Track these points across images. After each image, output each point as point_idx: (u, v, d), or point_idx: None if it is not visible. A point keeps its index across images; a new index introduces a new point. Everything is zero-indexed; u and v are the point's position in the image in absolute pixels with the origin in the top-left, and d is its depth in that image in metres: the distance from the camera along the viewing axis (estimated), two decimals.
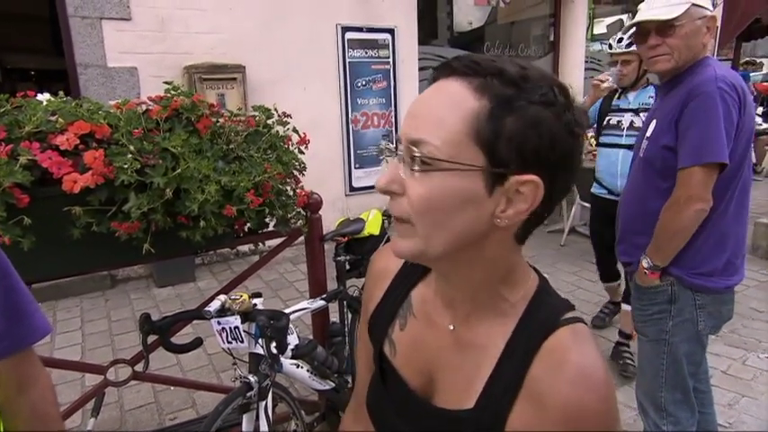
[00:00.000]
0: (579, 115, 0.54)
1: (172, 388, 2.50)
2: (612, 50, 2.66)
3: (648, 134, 1.56)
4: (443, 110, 0.52)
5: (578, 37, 6.53)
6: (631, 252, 1.67)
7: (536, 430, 0.54)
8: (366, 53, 4.86)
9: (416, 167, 0.53)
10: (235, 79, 4.11)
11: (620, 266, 2.84)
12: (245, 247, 4.34)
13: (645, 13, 1.49)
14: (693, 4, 1.42)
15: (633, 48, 2.37)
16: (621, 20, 7.53)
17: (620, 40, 2.59)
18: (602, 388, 0.54)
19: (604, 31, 7.30)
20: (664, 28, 1.45)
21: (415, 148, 0.53)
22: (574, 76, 6.60)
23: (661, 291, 1.57)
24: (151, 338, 1.57)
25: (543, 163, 0.52)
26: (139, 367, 1.74)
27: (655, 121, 1.55)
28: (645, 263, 1.55)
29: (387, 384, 0.71)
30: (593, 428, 0.52)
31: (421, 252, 0.56)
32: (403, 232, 0.57)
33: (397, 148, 0.57)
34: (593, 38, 6.94)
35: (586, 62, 6.72)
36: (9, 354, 0.76)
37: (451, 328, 0.64)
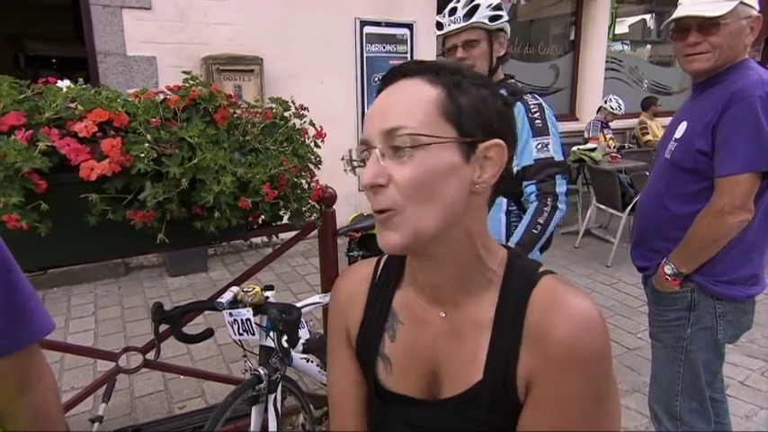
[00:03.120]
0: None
1: (182, 377, 2.52)
2: (445, 30, 1.67)
3: (678, 136, 1.50)
4: (409, 99, 0.60)
5: (600, 36, 6.43)
6: (649, 256, 1.63)
7: (543, 371, 0.59)
8: (384, 48, 4.84)
9: (406, 147, 0.58)
10: (252, 71, 4.12)
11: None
12: (257, 239, 4.37)
13: (689, 8, 1.41)
14: (741, 3, 1.36)
15: (478, 20, 1.61)
16: (645, 20, 7.40)
17: (454, 10, 1.65)
18: (598, 322, 0.59)
19: (627, 31, 7.17)
20: (707, 25, 1.39)
21: (397, 134, 0.58)
22: (594, 76, 6.51)
23: (680, 297, 1.54)
24: (163, 327, 1.57)
25: (497, 131, 0.61)
26: (151, 355, 1.75)
27: (685, 123, 1.49)
28: (668, 269, 1.51)
29: (388, 406, 0.70)
30: (593, 361, 0.57)
31: (415, 235, 0.59)
32: (391, 224, 0.60)
33: (365, 150, 0.62)
34: (614, 38, 6.83)
35: (607, 62, 6.62)
36: (9, 352, 0.73)
37: (443, 315, 0.67)
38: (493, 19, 1.65)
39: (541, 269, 0.65)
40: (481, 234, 0.65)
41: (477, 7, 1.63)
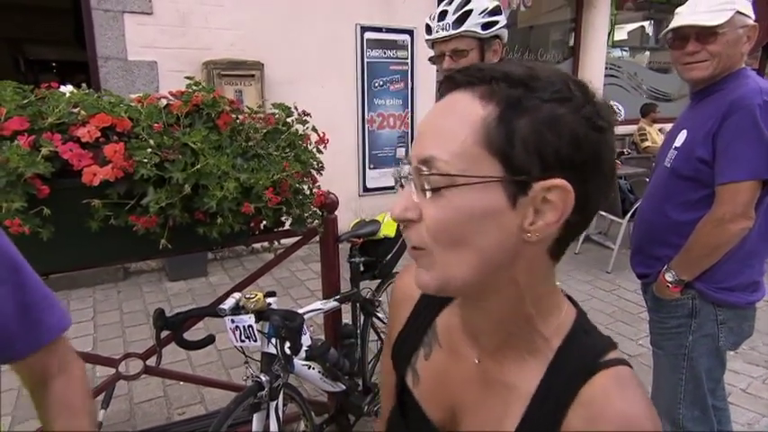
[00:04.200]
0: (602, 108, 0.49)
1: (181, 383, 2.50)
2: (433, 35, 1.61)
3: (678, 144, 1.51)
4: (449, 123, 0.49)
5: (599, 43, 6.46)
6: (649, 263, 1.63)
7: None
8: (384, 53, 4.85)
9: (428, 187, 0.48)
10: (253, 76, 4.12)
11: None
12: (257, 244, 4.35)
13: (686, 17, 1.43)
14: (738, 12, 1.37)
15: (469, 28, 1.53)
16: (643, 26, 7.45)
17: (444, 14, 1.57)
18: None
19: (626, 37, 7.21)
20: (705, 34, 1.40)
21: (424, 168, 0.49)
22: (593, 81, 6.39)
23: (681, 304, 1.54)
24: (164, 334, 1.56)
25: (568, 164, 0.47)
26: (151, 361, 1.74)
27: (685, 132, 1.50)
28: (669, 276, 1.51)
29: (407, 418, 0.66)
30: None
31: (444, 283, 0.51)
32: (423, 263, 0.52)
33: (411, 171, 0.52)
34: (613, 44, 6.86)
35: (606, 68, 6.65)
36: (28, 353, 0.74)
37: (477, 361, 0.59)
38: (486, 26, 1.55)
39: (607, 357, 0.52)
40: (534, 290, 0.53)
41: (468, 14, 1.54)
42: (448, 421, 0.61)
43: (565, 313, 0.56)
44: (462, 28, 1.53)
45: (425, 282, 0.52)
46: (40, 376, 0.77)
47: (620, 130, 5.97)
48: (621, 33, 7.10)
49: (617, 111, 5.38)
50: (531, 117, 0.46)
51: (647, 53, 7.58)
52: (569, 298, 0.59)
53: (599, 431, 0.48)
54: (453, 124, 0.48)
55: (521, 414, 0.54)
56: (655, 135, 6.03)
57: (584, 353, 0.53)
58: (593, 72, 6.52)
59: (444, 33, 1.56)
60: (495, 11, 1.59)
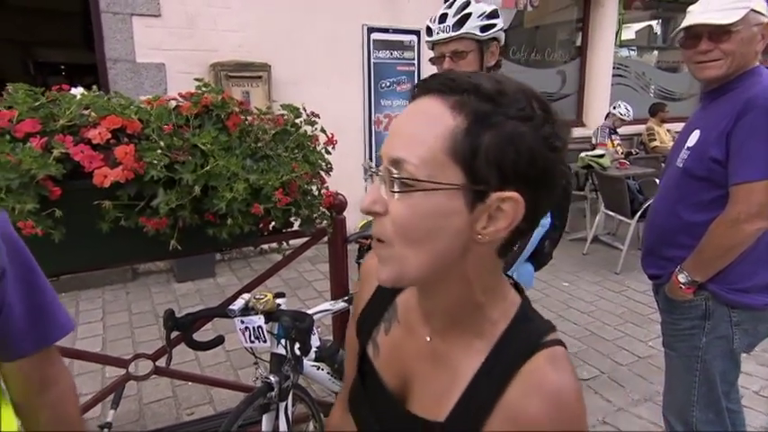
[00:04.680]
0: (560, 128, 0.53)
1: (190, 383, 2.51)
2: (434, 37, 1.64)
3: (690, 144, 1.49)
4: (421, 128, 0.52)
5: (606, 42, 6.43)
6: (661, 264, 1.61)
7: None
8: (391, 54, 4.85)
9: (396, 188, 0.53)
10: (260, 77, 4.13)
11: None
12: (265, 245, 4.36)
13: (699, 15, 1.41)
14: (752, 10, 1.35)
15: (468, 30, 1.56)
16: (651, 26, 7.40)
17: (444, 17, 1.60)
18: (576, 411, 0.55)
19: (633, 36, 7.17)
20: (718, 33, 1.38)
21: (393, 169, 0.53)
22: (600, 82, 6.50)
23: (694, 305, 1.52)
24: (174, 334, 1.57)
25: (523, 179, 0.52)
26: (161, 362, 1.74)
27: (698, 131, 1.48)
28: (681, 277, 1.49)
29: (366, 384, 0.72)
30: None
31: (399, 275, 0.56)
32: (380, 256, 0.57)
33: (378, 166, 0.57)
34: (621, 43, 6.82)
35: (614, 68, 6.61)
36: (32, 352, 0.75)
37: (428, 339, 0.64)
38: (485, 29, 1.59)
39: (547, 338, 0.58)
40: (482, 282, 0.58)
41: (468, 16, 1.57)
42: (401, 389, 0.67)
43: (510, 301, 0.62)
44: (462, 30, 1.57)
45: (383, 277, 0.57)
46: (37, 383, 0.78)
47: (628, 129, 5.93)
48: (629, 33, 7.05)
49: (626, 111, 5.35)
50: (495, 132, 0.50)
51: (656, 52, 7.53)
52: (516, 286, 0.65)
53: (534, 399, 0.54)
54: (424, 130, 0.52)
55: (464, 386, 0.59)
56: (663, 135, 5.99)
57: (526, 335, 0.59)
58: (601, 72, 6.48)
59: (444, 35, 1.60)
60: (493, 14, 1.63)
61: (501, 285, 0.62)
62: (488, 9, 1.62)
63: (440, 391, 0.61)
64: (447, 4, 1.64)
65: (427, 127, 0.52)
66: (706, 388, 1.54)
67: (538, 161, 0.52)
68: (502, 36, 1.67)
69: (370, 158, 4.87)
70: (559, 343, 0.59)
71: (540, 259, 1.78)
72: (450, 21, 1.59)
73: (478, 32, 1.58)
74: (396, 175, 0.52)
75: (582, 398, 0.56)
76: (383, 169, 0.55)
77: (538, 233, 1.56)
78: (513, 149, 0.50)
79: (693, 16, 1.43)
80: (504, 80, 0.54)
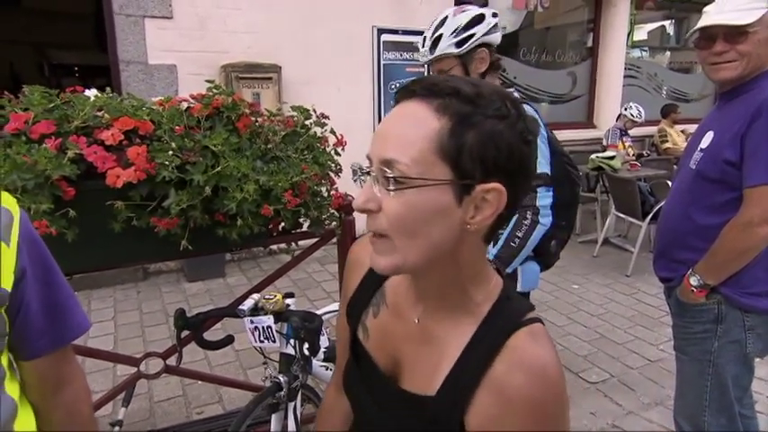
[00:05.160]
0: (530, 124, 0.60)
1: (199, 382, 2.53)
2: (420, 60, 1.76)
3: (704, 146, 1.48)
4: (409, 130, 0.57)
5: (618, 43, 6.37)
6: (673, 267, 1.60)
7: (499, 420, 0.60)
8: (401, 55, 4.86)
9: (391, 187, 0.57)
10: (270, 79, 4.16)
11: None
12: (274, 246, 4.38)
13: (714, 16, 1.39)
14: None
15: (443, 51, 1.63)
16: (664, 26, 7.32)
17: (425, 39, 1.70)
18: (557, 382, 0.61)
19: (645, 37, 7.10)
20: (734, 34, 1.37)
21: (387, 169, 0.57)
22: (612, 83, 6.44)
23: (707, 309, 1.50)
24: (184, 333, 1.58)
25: (503, 171, 0.58)
26: (171, 361, 1.76)
27: (712, 133, 1.47)
28: (693, 280, 1.47)
29: (360, 366, 0.77)
30: (551, 416, 0.60)
31: (400, 265, 0.61)
32: (381, 248, 0.61)
33: (370, 167, 0.61)
34: (633, 44, 6.76)
35: (626, 69, 6.55)
36: (49, 351, 0.76)
37: (416, 321, 0.69)
38: (460, 44, 1.63)
39: (528, 316, 0.64)
40: (471, 267, 0.64)
41: (440, 38, 1.64)
42: (392, 368, 0.72)
43: (494, 283, 0.68)
44: (437, 52, 1.66)
45: (383, 265, 0.62)
46: (52, 382, 0.78)
47: (639, 131, 5.87)
48: (641, 33, 6.99)
49: (638, 112, 5.30)
50: (476, 131, 0.56)
51: (668, 53, 7.45)
52: (498, 271, 0.71)
53: (518, 372, 0.59)
54: (412, 132, 0.57)
55: (453, 361, 0.64)
56: (675, 136, 5.93)
57: (508, 314, 0.65)
58: (612, 73, 6.43)
59: (424, 59, 1.72)
60: (473, 22, 1.65)
61: (485, 269, 0.67)
62: (465, 20, 1.65)
63: (429, 367, 0.66)
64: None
65: (415, 129, 0.57)
66: (718, 393, 1.52)
67: (515, 154, 0.58)
68: (494, 39, 1.69)
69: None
70: (539, 321, 0.65)
71: (546, 259, 1.77)
72: (428, 43, 1.68)
73: (454, 49, 1.64)
74: (389, 175, 0.57)
75: (562, 371, 0.62)
76: (375, 169, 0.59)
77: (539, 232, 1.56)
78: (494, 145, 0.56)
79: (709, 17, 1.41)
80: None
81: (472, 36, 1.64)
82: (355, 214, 1.93)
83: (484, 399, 0.61)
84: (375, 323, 0.75)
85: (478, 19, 1.66)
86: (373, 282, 0.77)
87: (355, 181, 0.65)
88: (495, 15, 1.69)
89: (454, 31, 1.64)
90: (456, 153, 0.56)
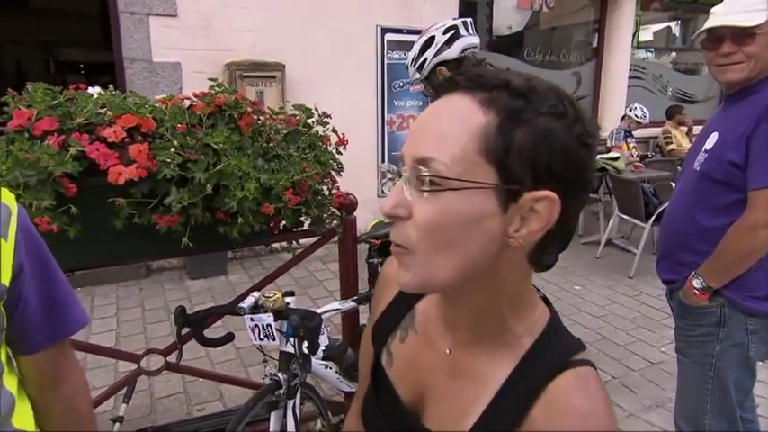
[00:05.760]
0: (591, 126, 0.52)
1: (200, 379, 2.54)
2: (410, 78, 2.02)
3: (708, 147, 1.47)
4: (450, 126, 0.50)
5: (623, 44, 6.35)
6: (676, 269, 1.59)
7: None
8: (405, 55, 4.83)
9: (425, 188, 0.49)
10: (274, 77, 4.16)
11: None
12: (276, 244, 4.38)
13: (721, 17, 1.38)
14: None
15: (417, 76, 1.86)
16: (670, 27, 7.29)
17: (412, 60, 1.92)
18: (606, 426, 0.50)
19: (651, 38, 7.07)
20: (742, 35, 1.36)
21: (422, 168, 0.50)
22: (617, 84, 6.42)
23: (709, 312, 1.49)
24: (184, 331, 1.59)
25: (557, 178, 0.49)
26: (172, 358, 1.77)
27: (716, 134, 1.46)
28: (696, 283, 1.47)
29: (379, 395, 0.69)
30: None
31: (424, 282, 0.53)
32: (401, 262, 0.53)
33: (402, 167, 0.53)
34: (638, 45, 6.73)
35: (631, 70, 6.53)
36: (47, 345, 0.76)
37: (448, 351, 0.61)
38: (419, 69, 1.85)
39: (576, 357, 0.55)
40: (511, 291, 0.55)
41: (424, 63, 1.85)
42: (416, 403, 0.64)
43: (539, 314, 0.58)
44: (409, 79, 1.95)
45: (404, 281, 0.54)
46: (51, 376, 0.79)
47: (644, 132, 5.85)
48: (647, 34, 6.96)
49: (642, 113, 5.28)
50: (527, 129, 0.48)
51: (674, 54, 7.42)
52: (545, 300, 0.61)
53: (558, 422, 0.50)
54: (454, 128, 0.49)
55: (488, 401, 0.56)
56: (680, 138, 5.90)
57: (554, 351, 0.56)
58: (617, 74, 6.40)
59: (414, 78, 1.98)
60: (423, 48, 1.88)
61: (529, 297, 0.58)
62: (417, 48, 1.88)
63: (459, 406, 0.58)
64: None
65: (457, 124, 0.49)
66: (719, 396, 1.51)
67: (571, 159, 0.49)
68: (447, 54, 1.85)
69: (383, 160, 4.88)
70: (588, 363, 0.55)
71: (538, 261, 1.77)
72: (411, 70, 1.94)
73: (418, 75, 1.88)
74: (425, 174, 0.49)
75: (613, 419, 0.52)
76: (408, 169, 0.51)
77: None
78: (548, 147, 0.48)
79: (716, 18, 1.40)
80: (534, 78, 0.52)
81: (425, 61, 1.86)
82: (357, 213, 1.93)
83: None
84: (401, 349, 0.67)
85: (428, 43, 1.86)
86: (405, 302, 0.69)
87: (384, 184, 0.59)
88: (449, 30, 1.85)
89: (413, 60, 1.87)
90: (503, 153, 0.48)
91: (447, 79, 0.54)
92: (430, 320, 0.64)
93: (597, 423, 0.50)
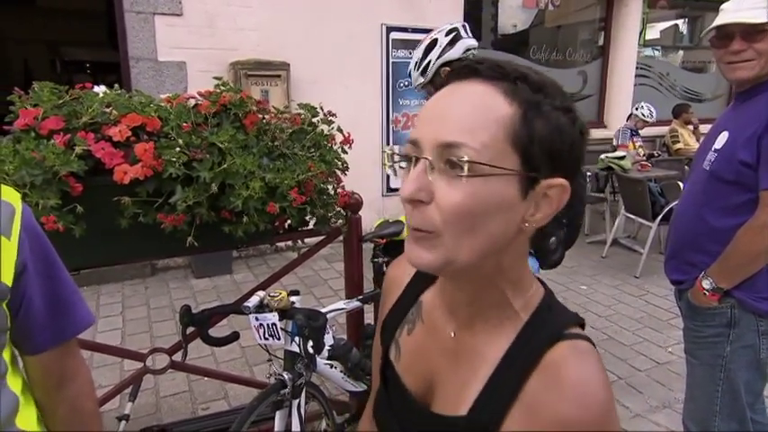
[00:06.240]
0: (583, 119, 0.57)
1: (205, 378, 2.54)
2: (414, 84, 2.07)
3: (718, 146, 1.45)
4: (477, 113, 0.51)
5: (630, 42, 6.31)
6: (684, 269, 1.57)
7: None
8: (410, 53, 4.82)
9: (463, 173, 0.50)
10: (279, 76, 4.16)
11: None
12: (281, 243, 4.39)
13: (731, 14, 1.37)
14: None
15: (421, 80, 1.93)
16: (677, 25, 7.24)
17: (415, 65, 1.97)
18: (599, 405, 0.52)
19: (658, 36, 7.02)
20: (752, 32, 1.34)
21: (455, 152, 0.50)
22: (623, 82, 6.38)
23: (719, 313, 1.48)
24: (189, 330, 1.59)
25: (565, 167, 0.54)
26: (177, 357, 1.77)
27: (727, 133, 1.44)
28: (706, 284, 1.45)
29: (389, 391, 0.70)
30: None
31: (447, 262, 0.53)
32: (426, 243, 0.54)
33: (415, 152, 0.54)
34: (645, 43, 6.68)
35: (637, 68, 6.48)
36: (53, 345, 0.76)
37: (452, 335, 0.63)
38: (423, 72, 1.88)
39: (569, 330, 0.57)
40: (513, 270, 0.58)
41: (428, 65, 1.90)
42: (425, 391, 0.65)
43: (534, 290, 0.61)
44: (414, 84, 1.98)
45: (425, 260, 0.54)
46: (56, 376, 0.79)
47: (651, 131, 5.81)
48: (653, 32, 6.91)
49: (649, 112, 5.25)
50: (546, 121, 0.52)
51: (681, 52, 7.36)
52: (540, 280, 0.64)
53: (554, 391, 0.52)
54: (482, 115, 0.51)
55: (487, 376, 0.58)
56: (687, 137, 5.85)
57: (550, 324, 0.58)
58: (623, 72, 6.36)
59: (417, 83, 2.01)
60: (426, 51, 1.91)
61: (527, 275, 0.61)
62: (420, 53, 1.89)
63: (462, 384, 0.60)
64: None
65: (484, 112, 0.51)
66: (730, 398, 1.49)
67: (575, 150, 0.54)
68: (450, 55, 1.89)
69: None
70: (584, 338, 0.57)
71: (544, 256, 1.77)
72: (415, 74, 1.99)
73: (422, 79, 1.93)
74: (462, 159, 0.50)
75: (608, 393, 0.53)
76: (431, 154, 0.52)
77: None
78: (560, 138, 0.53)
79: (726, 14, 1.38)
80: (541, 73, 0.55)
81: (429, 63, 1.90)
82: (362, 212, 1.93)
83: (516, 419, 0.54)
84: (409, 341, 0.69)
85: (431, 46, 1.90)
86: (411, 298, 0.71)
87: (390, 167, 0.59)
88: (450, 32, 1.91)
89: (416, 64, 1.92)
90: (528, 142, 0.51)
91: (465, 66, 0.55)
92: (435, 309, 0.66)
93: (592, 392, 0.52)
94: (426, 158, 0.52)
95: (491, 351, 0.58)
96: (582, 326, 0.60)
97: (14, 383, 0.72)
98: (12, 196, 0.70)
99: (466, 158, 0.50)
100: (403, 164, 0.56)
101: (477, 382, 0.58)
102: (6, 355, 0.71)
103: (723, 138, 1.44)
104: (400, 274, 0.74)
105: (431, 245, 0.53)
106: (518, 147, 0.51)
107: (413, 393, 0.66)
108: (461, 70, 0.55)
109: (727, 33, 1.39)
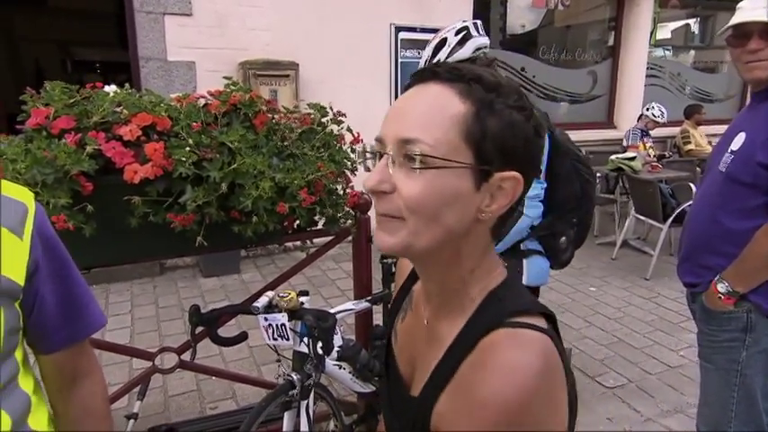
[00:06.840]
0: (540, 120, 0.61)
1: (214, 378, 2.55)
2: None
3: (735, 148, 1.42)
4: (433, 111, 0.56)
5: (640, 42, 6.25)
6: (698, 272, 1.54)
7: (454, 421, 0.56)
8: (419, 53, 4.82)
9: (416, 165, 0.55)
10: (288, 76, 4.16)
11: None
12: (290, 243, 4.39)
13: (749, 12, 1.34)
14: None
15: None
16: (689, 24, 7.16)
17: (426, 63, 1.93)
18: (523, 391, 0.51)
19: (669, 36, 6.95)
20: None
21: (410, 147, 0.55)
22: (633, 83, 6.32)
23: (735, 317, 1.45)
24: (198, 329, 1.59)
25: (519, 162, 0.58)
26: (186, 356, 1.77)
27: (744, 134, 1.41)
28: (721, 287, 1.42)
29: (388, 377, 0.75)
30: (517, 421, 0.51)
31: (408, 246, 0.58)
32: (390, 228, 0.58)
33: (380, 147, 0.59)
34: (656, 43, 6.62)
35: (648, 69, 6.42)
36: (65, 345, 0.76)
37: (426, 322, 0.68)
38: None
39: (516, 319, 0.57)
40: (471, 258, 0.61)
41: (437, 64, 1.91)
42: (409, 377, 0.70)
43: (492, 277, 0.63)
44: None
45: (387, 244, 0.59)
46: (69, 376, 0.79)
47: (662, 132, 5.75)
48: (665, 32, 6.84)
49: (660, 113, 5.20)
50: (498, 118, 0.56)
51: (693, 52, 7.28)
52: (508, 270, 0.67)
53: (481, 371, 0.54)
54: (436, 113, 0.56)
55: (435, 364, 0.62)
56: (699, 138, 5.79)
57: (493, 311, 0.60)
58: (634, 72, 6.30)
59: None
60: (436, 50, 1.84)
61: (488, 263, 0.64)
62: (429, 52, 1.82)
63: (427, 368, 0.64)
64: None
65: (439, 111, 0.56)
66: (745, 404, 1.46)
67: (530, 146, 0.58)
68: (459, 55, 1.82)
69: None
70: (538, 329, 0.56)
71: (554, 256, 1.75)
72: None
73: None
74: (416, 153, 0.55)
75: (541, 385, 0.52)
76: (392, 149, 0.57)
77: (523, 223, 1.58)
78: (512, 135, 0.56)
79: (743, 13, 1.36)
80: (498, 74, 0.60)
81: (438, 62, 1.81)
82: (371, 212, 1.92)
83: (446, 401, 0.58)
84: (402, 328, 0.75)
85: (440, 45, 1.83)
86: (407, 287, 0.77)
87: (361, 163, 0.63)
88: (460, 31, 1.83)
89: (425, 63, 1.87)
90: (480, 137, 0.55)
91: (425, 69, 0.60)
92: (419, 296, 0.72)
93: (518, 377, 0.51)
94: (388, 153, 0.57)
95: (447, 337, 0.62)
96: (548, 317, 0.60)
97: (26, 384, 0.72)
98: (25, 196, 0.70)
99: (419, 152, 0.54)
100: (371, 160, 0.62)
101: (432, 368, 0.63)
102: (18, 355, 0.71)
103: (740, 139, 1.41)
104: (407, 263, 0.79)
105: (394, 229, 0.58)
106: (471, 142, 0.55)
107: (403, 377, 0.71)
108: (423, 73, 0.60)
109: (744, 32, 1.36)
